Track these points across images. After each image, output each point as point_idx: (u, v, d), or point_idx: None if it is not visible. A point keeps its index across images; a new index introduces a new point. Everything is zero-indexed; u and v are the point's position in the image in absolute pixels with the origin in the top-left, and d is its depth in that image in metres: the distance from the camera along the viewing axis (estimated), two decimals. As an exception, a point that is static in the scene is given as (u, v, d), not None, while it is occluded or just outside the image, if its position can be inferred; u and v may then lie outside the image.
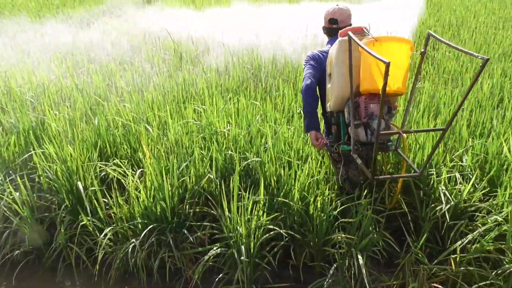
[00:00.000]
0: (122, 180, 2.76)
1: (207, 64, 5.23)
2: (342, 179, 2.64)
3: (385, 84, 1.79)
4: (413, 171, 2.30)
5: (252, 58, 5.34)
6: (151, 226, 2.44)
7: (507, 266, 2.14)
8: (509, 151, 2.66)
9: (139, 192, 2.50)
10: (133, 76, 4.84)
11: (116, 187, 2.63)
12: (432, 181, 2.62)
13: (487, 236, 2.24)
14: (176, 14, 9.33)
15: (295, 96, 3.96)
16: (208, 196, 2.67)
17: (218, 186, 2.70)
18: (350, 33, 2.06)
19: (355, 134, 2.29)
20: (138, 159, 3.09)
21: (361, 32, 2.28)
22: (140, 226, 2.47)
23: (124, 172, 2.81)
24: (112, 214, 2.57)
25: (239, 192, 2.52)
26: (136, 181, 2.57)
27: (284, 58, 5.25)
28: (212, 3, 10.70)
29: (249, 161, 2.78)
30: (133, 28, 7.76)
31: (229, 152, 2.89)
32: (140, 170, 2.78)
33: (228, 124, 3.26)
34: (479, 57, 1.84)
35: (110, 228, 2.47)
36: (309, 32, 6.33)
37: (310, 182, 2.51)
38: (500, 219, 2.28)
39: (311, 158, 2.70)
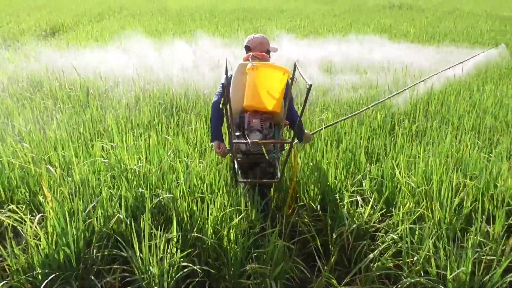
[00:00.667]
0: (19, 228, 2.52)
1: (116, 100, 5.09)
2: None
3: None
4: (277, 177, 2.71)
5: (164, 92, 5.32)
6: (53, 275, 2.25)
7: (405, 280, 2.35)
8: (400, 174, 2.96)
9: (39, 239, 2.30)
10: (34, 112, 4.52)
11: (12, 236, 2.39)
12: (336, 206, 2.80)
13: (386, 254, 2.43)
14: (82, 48, 9.00)
15: (207, 130, 4.01)
16: (118, 238, 2.55)
17: (129, 226, 2.59)
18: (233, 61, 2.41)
19: (237, 144, 2.60)
20: (38, 203, 2.86)
21: (258, 58, 2.73)
22: (40, 276, 2.26)
23: (21, 218, 2.58)
24: (6, 267, 2.32)
25: (151, 231, 2.45)
26: (35, 228, 2.37)
27: (195, 93, 5.32)
28: (121, 38, 10.54)
29: (160, 197, 2.73)
30: (34, 62, 7.31)
31: (140, 189, 2.81)
32: (40, 215, 2.57)
33: (139, 161, 3.19)
34: (308, 83, 2.12)
35: (3, 282, 2.23)
36: (222, 66, 6.52)
37: (223, 215, 2.53)
38: (395, 237, 2.50)
39: (223, 191, 2.73)
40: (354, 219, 2.65)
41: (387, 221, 2.72)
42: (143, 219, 2.41)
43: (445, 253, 2.34)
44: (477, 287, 2.27)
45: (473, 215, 2.65)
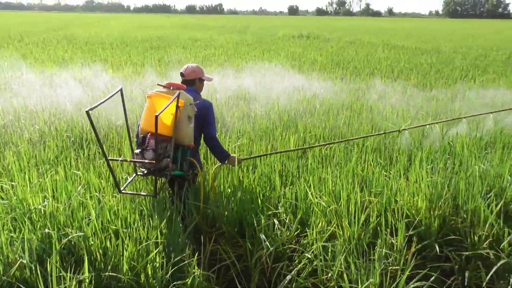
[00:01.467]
0: None
1: (17, 134, 4.71)
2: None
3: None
4: (153, 193, 2.97)
5: (72, 125, 5.05)
6: None
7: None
8: (312, 195, 3.13)
9: None
10: None
11: None
12: (254, 230, 2.86)
13: (303, 273, 2.53)
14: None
15: (121, 162, 3.87)
16: (21, 286, 2.32)
17: (34, 271, 2.38)
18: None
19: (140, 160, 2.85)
20: None
21: (175, 87, 2.97)
22: None
23: None
24: None
25: (60, 274, 2.28)
26: None
27: (107, 124, 5.13)
28: (21, 68, 9.82)
29: (70, 237, 2.55)
30: None
31: (46, 230, 2.60)
32: None
33: (45, 200, 2.96)
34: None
35: None
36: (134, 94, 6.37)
37: (139, 249, 2.45)
38: (310, 256, 2.61)
39: (139, 225, 2.64)
40: (272, 242, 2.73)
41: (301, 241, 2.84)
42: (50, 262, 2.23)
43: (356, 267, 2.51)
44: (385, 295, 2.45)
45: (378, 228, 2.88)
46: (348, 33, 27.42)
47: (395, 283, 2.45)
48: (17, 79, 8.29)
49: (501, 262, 2.70)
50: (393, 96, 7.24)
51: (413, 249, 2.68)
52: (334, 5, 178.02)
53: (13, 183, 3.20)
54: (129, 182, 3.10)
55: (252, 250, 2.73)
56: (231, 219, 2.96)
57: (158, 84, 3.06)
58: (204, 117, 3.16)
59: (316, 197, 3.12)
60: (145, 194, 3.07)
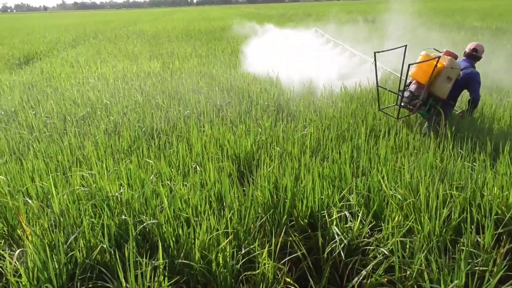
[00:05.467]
0: (-2, 265, 2.39)
1: (95, 125, 4.99)
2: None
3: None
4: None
5: (143, 116, 5.25)
6: (34, 313, 2.12)
7: (398, 295, 2.30)
8: (387, 187, 2.95)
9: (19, 275, 2.17)
10: (9, 143, 4.37)
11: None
12: (325, 223, 2.76)
13: (378, 270, 2.39)
14: (57, 75, 8.86)
15: (189, 151, 3.95)
16: (102, 269, 2.44)
17: (113, 256, 2.48)
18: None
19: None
20: (17, 237, 2.72)
21: (441, 52, 4.33)
22: (20, 316, 2.13)
23: (0, 254, 2.44)
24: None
25: (136, 259, 2.36)
26: (15, 263, 2.24)
27: (176, 114, 5.26)
28: (96, 63, 10.43)
29: (144, 224, 2.64)
30: (7, 91, 7.14)
31: (123, 217, 2.71)
32: (19, 250, 2.44)
33: (121, 187, 3.09)
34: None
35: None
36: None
37: (210, 238, 2.46)
38: (386, 252, 2.46)
39: (209, 214, 2.66)
40: (345, 235, 2.61)
41: (375, 235, 2.69)
42: (127, 247, 2.31)
43: (437, 266, 2.32)
44: (471, 298, 2.24)
45: (462, 225, 2.65)
46: (417, 16, 25.83)
47: (484, 286, 2.23)
48: (93, 73, 8.82)
49: None
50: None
51: (502, 250, 2.42)
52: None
53: (92, 172, 3.37)
54: (389, 106, 4.75)
55: (324, 243, 2.64)
56: (302, 211, 2.88)
57: (434, 49, 4.40)
58: (467, 83, 4.32)
59: (391, 189, 2.94)
60: (390, 115, 4.55)
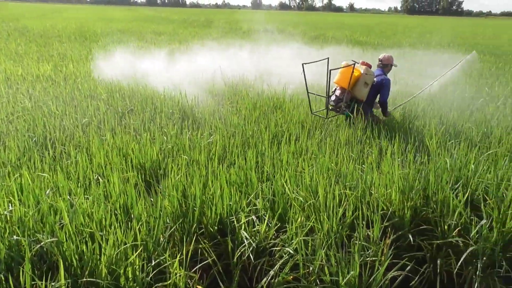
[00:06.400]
0: None
1: (-26, 135, 4.43)
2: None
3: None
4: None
5: (33, 124, 4.80)
6: None
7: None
8: (290, 191, 3.14)
9: None
10: None
11: None
12: (234, 228, 2.84)
13: (285, 269, 2.55)
14: None
15: (90, 162, 3.73)
16: (-9, 297, 2.20)
17: (4, 282, 2.25)
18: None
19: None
20: None
21: (357, 62, 5.12)
22: None
23: None
24: None
25: (33, 283, 2.17)
26: None
27: (73, 122, 4.92)
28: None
29: (42, 243, 2.44)
30: None
31: (15, 237, 2.47)
32: None
33: (10, 205, 2.81)
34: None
35: None
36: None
37: (118, 253, 2.37)
38: (291, 251, 2.63)
39: (116, 227, 2.56)
40: (253, 239, 2.72)
41: (281, 236, 2.85)
42: (22, 271, 2.12)
43: (336, 260, 2.55)
44: (365, 287, 2.51)
45: (355, 222, 2.94)
46: (313, 28, 27.73)
47: (374, 275, 2.52)
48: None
49: (470, 249, 2.84)
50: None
51: (388, 240, 2.76)
52: (297, 0, 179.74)
53: (-26, 188, 3.01)
54: (320, 110, 5.40)
55: (233, 248, 2.72)
56: (211, 218, 2.92)
57: (352, 60, 4.97)
58: (379, 88, 5.13)
59: (293, 192, 3.14)
60: (320, 116, 5.20)
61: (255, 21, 31.94)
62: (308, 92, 5.05)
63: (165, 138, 4.42)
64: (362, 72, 4.94)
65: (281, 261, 2.61)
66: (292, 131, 4.78)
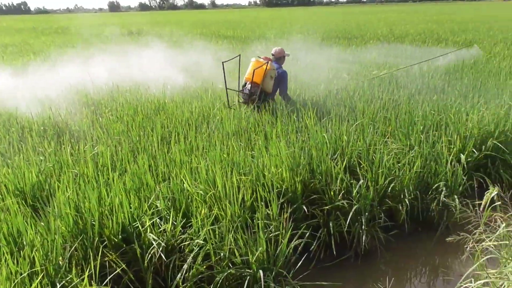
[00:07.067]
0: None
1: None
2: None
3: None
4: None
5: None
6: None
7: (218, 277, 2.59)
8: (189, 186, 3.21)
9: None
10: None
11: None
12: (140, 233, 2.81)
13: (197, 260, 2.62)
14: None
15: None
16: None
17: None
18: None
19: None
20: None
21: (262, 58, 5.60)
22: None
23: None
24: None
25: None
26: None
27: None
28: None
29: None
30: None
31: None
32: None
33: None
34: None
35: None
36: None
37: (15, 284, 2.17)
38: (201, 242, 2.72)
39: (7, 258, 2.32)
40: (161, 239, 2.73)
41: (188, 230, 2.91)
42: None
43: (244, 242, 2.71)
44: (273, 260, 2.73)
45: (254, 204, 3.15)
46: (179, 27, 27.59)
47: (279, 247, 2.75)
48: None
49: (354, 208, 3.27)
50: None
51: (286, 215, 3.02)
52: (158, 0, 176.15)
53: None
54: (233, 104, 5.75)
55: (142, 253, 2.69)
56: (113, 229, 2.83)
57: (258, 56, 5.59)
58: (279, 80, 5.66)
59: (193, 187, 3.21)
60: (233, 108, 5.46)
61: (115, 25, 30.51)
62: (226, 89, 5.53)
63: (41, 158, 4.07)
64: (268, 68, 5.45)
65: (192, 254, 2.68)
66: (179, 130, 4.81)
